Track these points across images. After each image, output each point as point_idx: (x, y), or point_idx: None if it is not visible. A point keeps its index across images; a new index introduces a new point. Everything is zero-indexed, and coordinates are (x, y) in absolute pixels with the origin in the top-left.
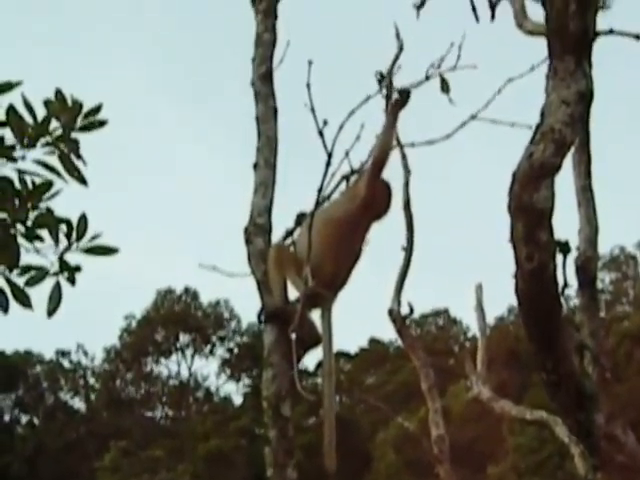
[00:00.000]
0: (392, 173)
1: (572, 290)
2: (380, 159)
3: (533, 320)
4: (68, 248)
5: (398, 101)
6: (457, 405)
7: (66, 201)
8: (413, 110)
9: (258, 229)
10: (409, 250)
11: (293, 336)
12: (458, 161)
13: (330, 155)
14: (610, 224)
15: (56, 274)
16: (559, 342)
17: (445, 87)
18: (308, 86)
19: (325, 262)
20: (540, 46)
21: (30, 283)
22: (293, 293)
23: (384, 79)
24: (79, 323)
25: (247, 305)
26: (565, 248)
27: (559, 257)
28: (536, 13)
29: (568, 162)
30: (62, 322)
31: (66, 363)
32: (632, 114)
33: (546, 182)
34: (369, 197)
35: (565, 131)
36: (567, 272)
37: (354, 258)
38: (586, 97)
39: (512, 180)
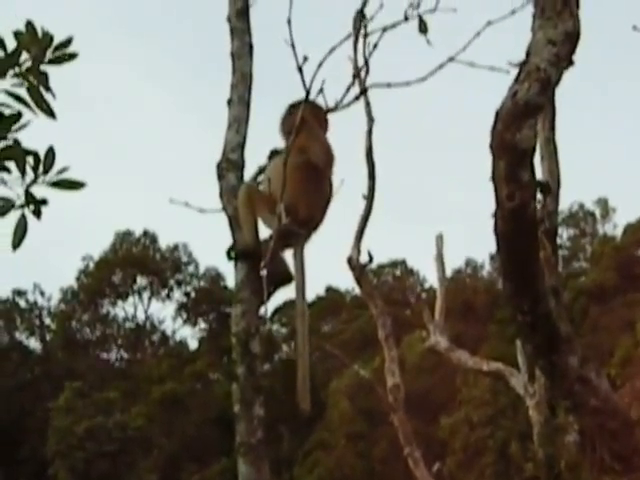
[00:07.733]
0: (356, 121)
1: None
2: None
3: (511, 260)
4: (35, 181)
5: None
6: (411, 355)
7: (34, 134)
8: (390, 52)
9: (231, 165)
10: (370, 199)
11: (264, 273)
12: (425, 109)
13: (308, 92)
14: (569, 180)
15: (22, 207)
16: (536, 283)
17: (423, 28)
18: (289, 22)
19: (299, 200)
20: None
21: None
22: (265, 232)
23: (365, 19)
24: (36, 263)
25: (205, 250)
26: (546, 188)
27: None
28: None
29: None
30: (19, 261)
31: (22, 303)
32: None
33: (529, 122)
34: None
35: (550, 70)
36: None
37: (326, 198)
38: (573, 37)
39: (495, 119)
